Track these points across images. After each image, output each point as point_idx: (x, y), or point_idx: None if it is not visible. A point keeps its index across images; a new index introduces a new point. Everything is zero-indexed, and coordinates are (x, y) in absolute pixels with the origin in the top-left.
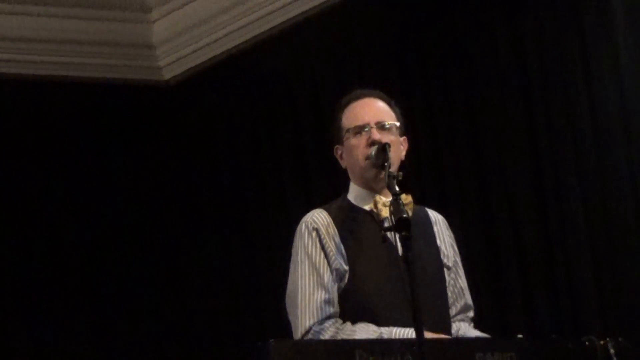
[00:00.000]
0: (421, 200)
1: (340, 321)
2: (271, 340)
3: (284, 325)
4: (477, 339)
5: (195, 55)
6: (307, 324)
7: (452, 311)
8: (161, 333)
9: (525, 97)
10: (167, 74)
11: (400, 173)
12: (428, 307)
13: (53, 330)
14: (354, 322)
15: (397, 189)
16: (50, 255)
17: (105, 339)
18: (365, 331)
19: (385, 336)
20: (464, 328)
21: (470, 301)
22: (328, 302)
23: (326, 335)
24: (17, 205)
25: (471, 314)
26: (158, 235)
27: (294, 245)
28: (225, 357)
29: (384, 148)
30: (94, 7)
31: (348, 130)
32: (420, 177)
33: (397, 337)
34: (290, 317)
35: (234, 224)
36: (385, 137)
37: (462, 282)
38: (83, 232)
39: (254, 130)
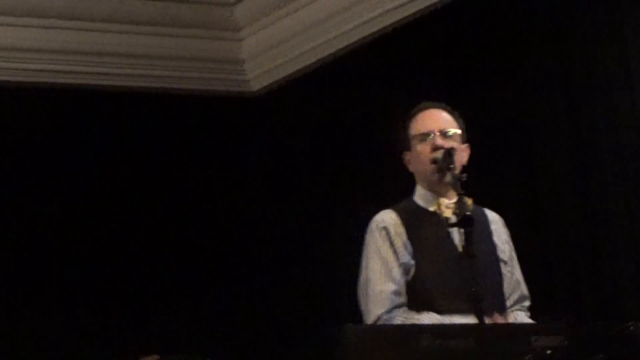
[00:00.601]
0: (479, 201)
1: (407, 310)
2: (348, 324)
3: (357, 313)
4: (531, 324)
5: (282, 68)
6: (378, 312)
7: (509, 302)
8: (250, 318)
9: (571, 106)
10: (255, 86)
11: (464, 175)
12: (487, 297)
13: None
14: (418, 311)
15: (461, 189)
16: (147, 259)
17: (190, 319)
18: (429, 320)
19: (447, 322)
20: (520, 317)
21: (526, 292)
22: (396, 293)
23: (394, 322)
24: (110, 213)
25: (527, 303)
26: (249, 235)
27: (366, 241)
28: (307, 340)
29: (449, 152)
30: (189, 26)
31: (414, 138)
32: (479, 180)
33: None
34: (362, 306)
35: (316, 224)
36: (448, 144)
37: (518, 274)
38: (176, 239)
39: (333, 138)
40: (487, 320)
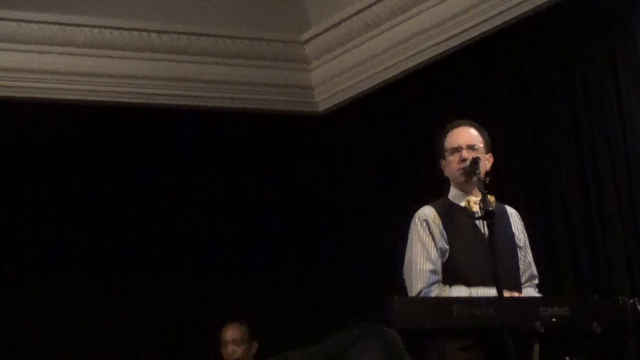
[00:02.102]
0: (500, 199)
1: (442, 285)
2: (395, 296)
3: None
4: (541, 297)
5: (343, 93)
6: (419, 287)
7: (523, 279)
8: (321, 292)
9: (575, 125)
10: (322, 107)
11: (487, 178)
12: (505, 275)
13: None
14: (450, 285)
15: (485, 189)
16: (234, 251)
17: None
18: (459, 291)
19: (474, 294)
20: (531, 292)
21: (535, 272)
22: (433, 271)
23: (432, 295)
24: (201, 214)
25: (536, 281)
26: (322, 226)
27: (410, 231)
28: (365, 309)
29: (475, 161)
30: (269, 59)
31: (447, 150)
32: (499, 182)
33: (482, 295)
34: (406, 283)
35: (374, 217)
36: (473, 155)
37: (530, 258)
38: (257, 234)
39: (385, 150)
40: (505, 294)
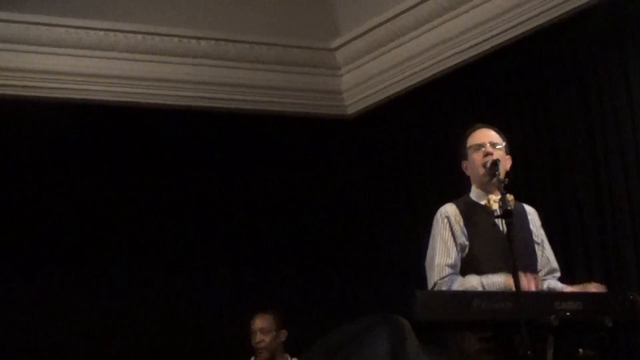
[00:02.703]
0: (518, 198)
1: (457, 277)
2: (417, 289)
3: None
4: (554, 292)
5: (371, 97)
6: (435, 279)
7: (542, 273)
8: (336, 288)
9: (589, 129)
10: (350, 111)
11: (507, 179)
12: (522, 270)
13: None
14: (464, 276)
15: (504, 189)
16: (273, 248)
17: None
18: (470, 280)
19: (484, 281)
20: (553, 282)
21: (555, 266)
22: (451, 265)
23: (444, 287)
24: (242, 215)
25: (557, 274)
26: (352, 224)
27: (433, 226)
28: (389, 300)
29: (495, 162)
30: (302, 65)
31: (470, 148)
32: (518, 182)
33: (492, 281)
34: (427, 275)
35: (397, 217)
36: (496, 154)
37: (548, 253)
38: (291, 230)
39: (410, 151)
40: (521, 276)
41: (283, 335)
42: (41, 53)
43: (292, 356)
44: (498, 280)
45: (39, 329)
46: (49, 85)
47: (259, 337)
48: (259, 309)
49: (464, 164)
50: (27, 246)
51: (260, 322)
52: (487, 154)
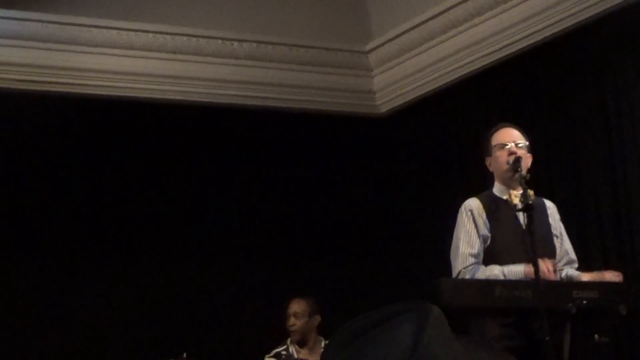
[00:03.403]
0: (538, 193)
1: (479, 266)
2: (442, 278)
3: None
4: (572, 281)
5: (402, 96)
6: (459, 268)
7: (561, 263)
8: (368, 277)
9: (606, 129)
10: (383, 109)
11: (528, 175)
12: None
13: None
14: (487, 266)
15: (525, 185)
16: (308, 239)
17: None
18: (492, 269)
19: (505, 270)
20: (570, 271)
21: (573, 256)
22: (474, 255)
23: (467, 275)
24: (280, 208)
25: (575, 265)
26: (387, 214)
27: (457, 219)
28: (417, 288)
29: (517, 159)
30: (337, 67)
31: (495, 146)
32: (538, 178)
33: (512, 270)
34: (452, 264)
35: (425, 210)
36: (519, 152)
37: (567, 245)
38: (326, 221)
39: (439, 147)
40: (540, 262)
41: (316, 320)
42: (94, 53)
43: (326, 339)
44: (519, 270)
45: (67, 321)
46: (101, 83)
47: (292, 320)
48: (295, 294)
49: (488, 161)
50: (67, 237)
51: (295, 307)
52: (511, 153)
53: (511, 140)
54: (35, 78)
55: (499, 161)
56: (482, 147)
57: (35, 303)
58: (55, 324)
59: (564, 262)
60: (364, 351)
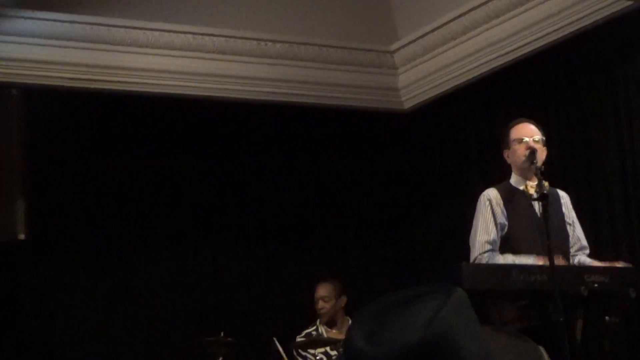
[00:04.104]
0: (553, 184)
1: (495, 253)
2: (463, 262)
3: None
4: (585, 266)
5: (425, 93)
6: (476, 254)
7: (573, 250)
8: (394, 260)
9: (617, 124)
10: (406, 105)
11: (543, 167)
12: (556, 248)
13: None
14: (502, 254)
15: (541, 176)
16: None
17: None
18: (505, 257)
19: (517, 260)
20: (582, 258)
21: (585, 243)
22: (490, 242)
23: (483, 261)
24: (312, 200)
25: (587, 251)
26: (415, 202)
27: (477, 208)
28: (439, 271)
29: (533, 152)
30: (365, 65)
31: (514, 140)
32: (553, 170)
33: (523, 261)
34: (471, 249)
35: (447, 200)
36: (535, 146)
37: (579, 232)
38: (354, 209)
39: (459, 142)
40: (555, 262)
41: (343, 300)
42: (138, 53)
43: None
44: (529, 261)
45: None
46: (144, 81)
47: (320, 304)
48: (322, 279)
49: (506, 153)
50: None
51: (322, 291)
52: (528, 147)
53: (529, 135)
54: (83, 76)
55: (517, 154)
56: (500, 140)
57: (97, 287)
58: (104, 304)
59: (576, 248)
60: (387, 324)
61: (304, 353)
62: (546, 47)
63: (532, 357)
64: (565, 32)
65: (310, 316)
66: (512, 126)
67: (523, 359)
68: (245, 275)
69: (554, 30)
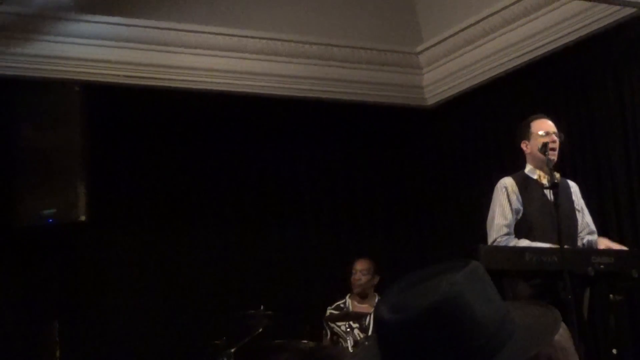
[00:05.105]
0: (564, 174)
1: (511, 237)
2: (480, 244)
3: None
4: (591, 249)
5: (448, 91)
6: (494, 236)
7: (583, 233)
8: (421, 244)
9: (623, 121)
10: (430, 102)
11: (554, 159)
12: (566, 232)
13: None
14: (519, 239)
15: (552, 167)
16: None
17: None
18: (522, 242)
19: (534, 245)
20: (588, 237)
21: (593, 227)
22: (507, 226)
23: (502, 243)
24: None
25: (595, 235)
26: (437, 190)
27: (493, 195)
28: (457, 253)
29: (545, 145)
30: (392, 65)
31: (533, 133)
32: (564, 162)
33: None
34: (488, 233)
35: (467, 187)
36: (557, 140)
37: (588, 218)
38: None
39: (480, 137)
40: (564, 245)
41: (376, 279)
42: (187, 54)
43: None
44: (543, 247)
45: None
46: (192, 79)
47: (358, 275)
48: (360, 255)
49: (524, 144)
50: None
51: (362, 265)
52: (553, 141)
53: (551, 130)
54: (138, 74)
55: (536, 146)
56: (518, 132)
57: (149, 264)
58: (155, 279)
59: (585, 233)
60: (409, 296)
61: (331, 324)
62: (558, 49)
63: (549, 321)
64: (575, 37)
65: (342, 289)
66: (534, 120)
67: (541, 323)
68: (284, 251)
69: (565, 35)
